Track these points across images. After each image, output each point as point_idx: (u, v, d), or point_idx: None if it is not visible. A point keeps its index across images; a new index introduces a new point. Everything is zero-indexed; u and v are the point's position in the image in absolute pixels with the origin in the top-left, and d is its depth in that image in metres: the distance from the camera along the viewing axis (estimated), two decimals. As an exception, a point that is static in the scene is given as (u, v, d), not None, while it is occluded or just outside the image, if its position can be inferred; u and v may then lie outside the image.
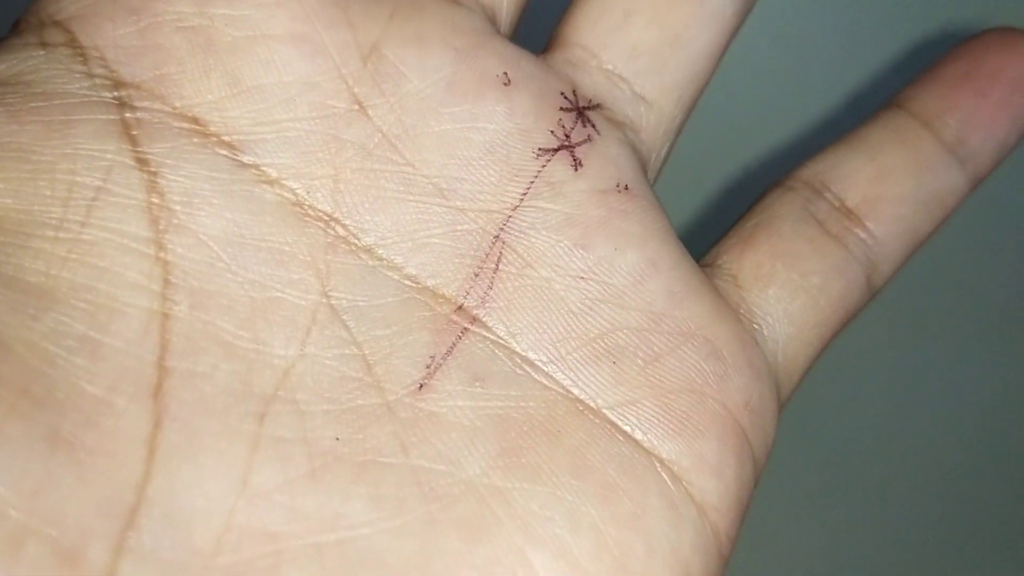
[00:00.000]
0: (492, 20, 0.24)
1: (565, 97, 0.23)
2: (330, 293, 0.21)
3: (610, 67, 0.24)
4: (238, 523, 0.18)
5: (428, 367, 0.21)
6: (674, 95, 0.24)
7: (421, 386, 0.20)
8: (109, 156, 0.20)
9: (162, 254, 0.20)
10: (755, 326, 0.24)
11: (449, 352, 0.21)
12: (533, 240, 0.22)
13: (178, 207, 0.20)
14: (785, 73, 0.40)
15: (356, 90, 0.21)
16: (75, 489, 0.17)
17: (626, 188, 0.23)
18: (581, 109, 0.23)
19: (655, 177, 0.25)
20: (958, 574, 0.45)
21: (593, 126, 0.23)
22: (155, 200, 0.20)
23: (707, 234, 0.27)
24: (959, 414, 0.44)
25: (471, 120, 0.22)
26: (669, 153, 0.25)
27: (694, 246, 0.25)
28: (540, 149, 0.22)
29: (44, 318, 0.18)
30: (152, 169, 0.20)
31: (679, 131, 0.25)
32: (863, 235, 0.25)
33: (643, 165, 0.24)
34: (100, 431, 0.18)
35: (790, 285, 0.24)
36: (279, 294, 0.20)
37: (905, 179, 0.25)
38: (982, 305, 0.44)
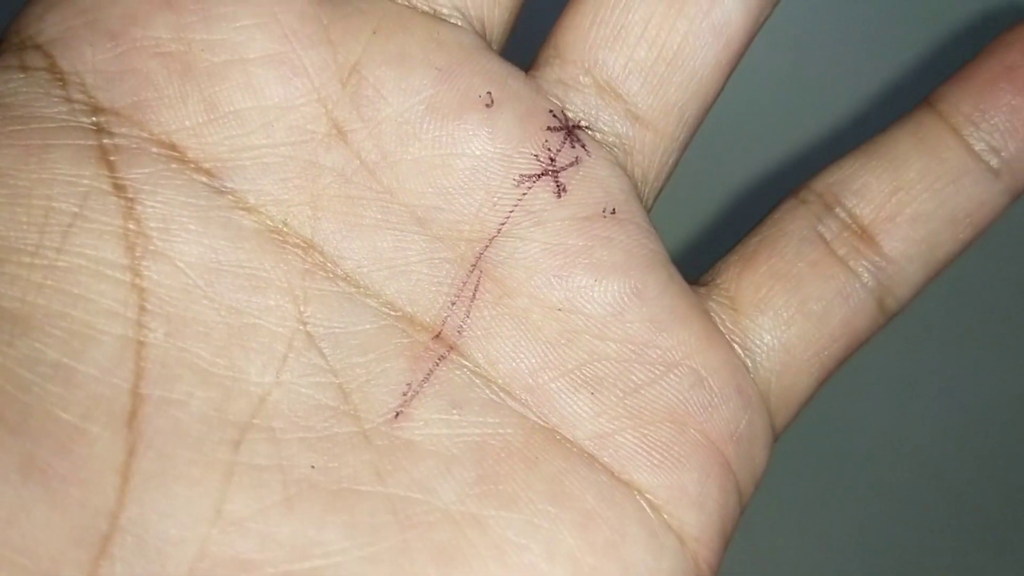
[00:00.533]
0: (482, 33, 0.23)
1: (554, 115, 0.23)
2: (307, 320, 0.21)
3: (603, 85, 0.23)
4: (211, 552, 0.18)
5: (405, 395, 0.21)
6: (674, 115, 0.23)
7: (397, 414, 0.20)
8: (86, 182, 0.20)
9: (138, 280, 0.20)
10: (748, 354, 0.23)
11: (426, 379, 0.21)
12: (511, 270, 0.22)
13: (155, 233, 0.20)
14: (812, 68, 0.38)
15: (335, 114, 0.21)
16: (48, 518, 0.17)
17: (612, 212, 0.22)
18: (570, 128, 0.23)
19: (656, 195, 0.24)
20: (958, 574, 0.45)
21: (583, 146, 0.23)
22: (131, 226, 0.20)
23: (719, 245, 0.26)
24: (959, 414, 0.44)
25: (451, 145, 0.22)
26: (671, 171, 0.24)
27: (705, 257, 0.24)
28: (521, 176, 0.22)
29: (19, 344, 0.18)
30: (129, 195, 0.20)
31: (683, 149, 0.24)
32: (875, 257, 0.23)
33: (635, 186, 0.23)
34: (73, 459, 0.18)
35: (787, 311, 0.23)
36: (256, 321, 0.20)
37: (926, 194, 0.23)
38: (983, 305, 0.43)
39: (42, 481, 0.18)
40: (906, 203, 0.23)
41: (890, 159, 0.24)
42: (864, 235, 0.24)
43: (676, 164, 0.24)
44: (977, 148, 0.23)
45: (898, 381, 0.44)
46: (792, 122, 0.39)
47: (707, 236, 0.39)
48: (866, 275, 0.23)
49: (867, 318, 0.24)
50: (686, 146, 0.24)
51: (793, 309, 0.23)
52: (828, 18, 0.37)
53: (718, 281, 0.24)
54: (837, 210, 0.24)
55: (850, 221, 0.24)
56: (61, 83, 0.21)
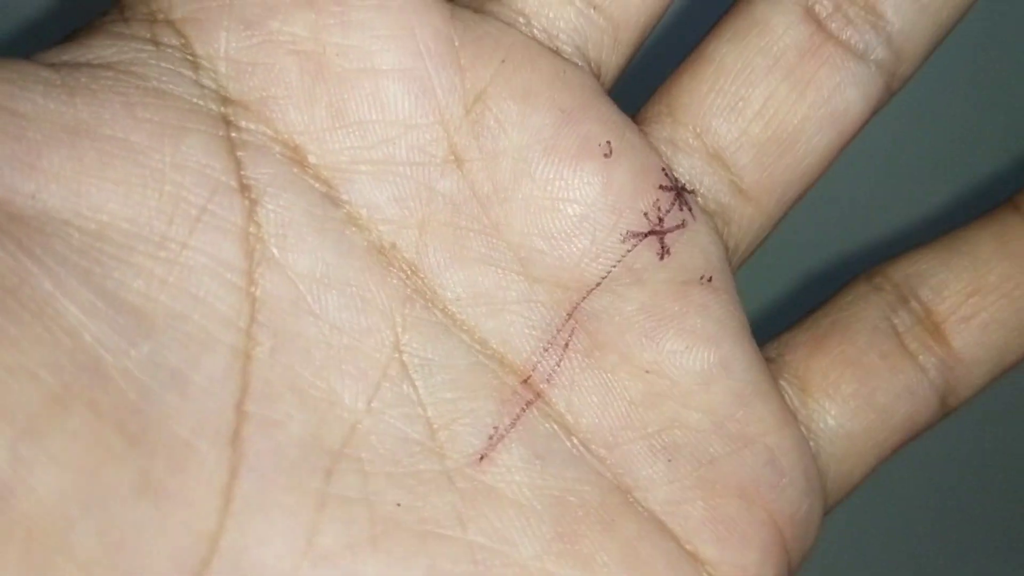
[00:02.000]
0: (597, 76, 0.23)
1: (666, 174, 0.22)
2: (403, 348, 0.20)
3: (712, 152, 0.23)
4: None
5: (491, 438, 0.20)
6: (777, 193, 0.23)
7: (482, 457, 0.20)
8: (216, 175, 0.19)
9: (252, 288, 0.19)
10: (811, 435, 0.23)
11: (513, 424, 0.21)
12: (605, 325, 0.21)
13: (272, 240, 0.19)
14: (899, 154, 0.38)
15: (455, 140, 0.21)
16: (155, 540, 0.17)
17: (710, 280, 0.22)
18: (680, 190, 0.22)
19: (738, 267, 0.24)
20: (958, 574, 0.45)
21: (690, 210, 0.22)
22: (252, 229, 0.19)
23: (780, 317, 0.26)
24: (959, 413, 0.44)
25: (564, 190, 0.21)
26: (760, 246, 0.24)
27: (766, 328, 0.24)
28: (629, 232, 0.22)
29: (142, 345, 0.17)
30: (253, 196, 0.19)
31: (775, 227, 0.24)
32: (945, 356, 0.24)
33: (728, 256, 0.23)
34: (184, 478, 0.17)
35: (856, 400, 0.23)
36: (355, 343, 0.20)
37: (1004, 301, 0.24)
38: None
39: (154, 501, 0.17)
40: (983, 307, 0.24)
41: (971, 259, 0.24)
42: (937, 332, 0.24)
43: (766, 240, 0.24)
44: None
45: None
46: (861, 205, 0.39)
47: (764, 307, 0.39)
48: (933, 372, 0.24)
49: (928, 414, 0.24)
50: (779, 223, 0.24)
51: (861, 399, 0.23)
52: (921, 110, 0.37)
53: (786, 358, 0.24)
54: (912, 303, 0.24)
55: (924, 316, 0.24)
56: (193, 66, 0.19)
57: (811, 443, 0.23)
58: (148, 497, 0.17)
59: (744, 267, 0.24)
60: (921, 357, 0.24)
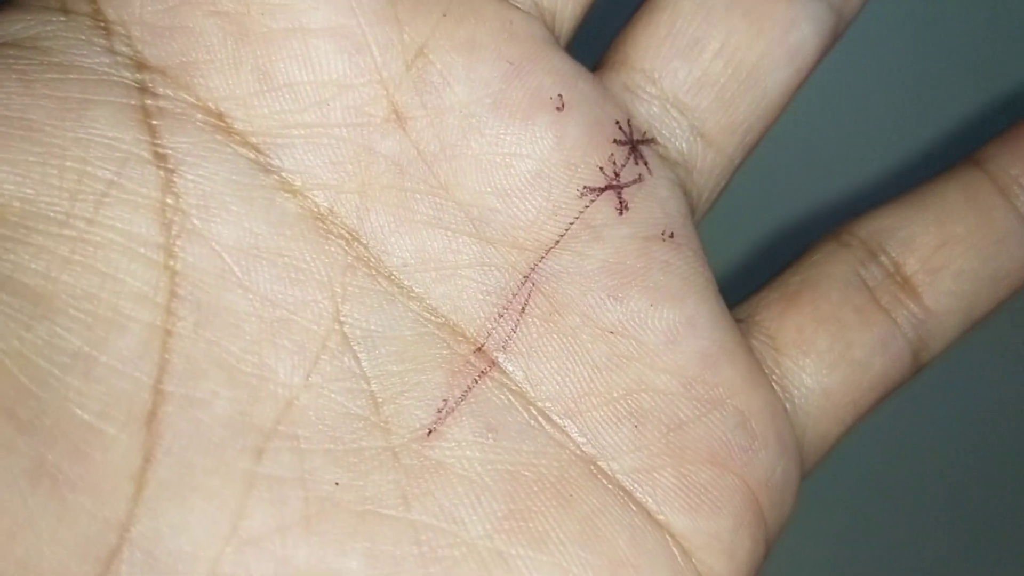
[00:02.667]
0: (551, 26, 0.22)
1: (620, 127, 0.21)
2: (344, 319, 0.19)
3: (671, 97, 0.22)
4: (223, 572, 0.17)
5: (439, 411, 0.19)
6: (737, 136, 0.22)
7: (430, 432, 0.19)
8: (125, 146, 0.18)
9: (171, 262, 0.18)
10: (787, 396, 0.22)
11: (463, 396, 0.19)
12: (565, 285, 0.20)
13: (193, 211, 0.18)
14: (858, 112, 0.38)
15: (396, 98, 0.20)
16: (54, 530, 0.16)
17: (671, 236, 0.21)
18: (635, 143, 0.21)
19: (702, 217, 0.23)
20: (958, 574, 0.45)
21: (646, 163, 0.21)
22: (170, 201, 0.18)
23: (747, 279, 0.25)
24: (959, 413, 0.43)
25: (516, 146, 0.20)
26: (721, 193, 0.23)
27: (733, 291, 0.24)
28: (585, 187, 0.20)
29: (38, 328, 0.17)
30: (170, 166, 0.18)
31: (736, 172, 0.23)
32: (916, 309, 0.23)
33: (691, 207, 0.22)
34: (87, 464, 0.16)
35: (831, 356, 0.23)
36: (290, 315, 0.19)
37: (972, 252, 0.23)
38: None
39: (52, 489, 0.16)
40: (952, 258, 0.23)
41: (938, 212, 0.23)
42: (907, 286, 0.23)
43: (727, 186, 0.23)
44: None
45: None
46: (825, 163, 0.39)
47: (729, 272, 0.38)
48: (906, 326, 0.23)
49: (902, 369, 0.23)
50: (739, 169, 0.23)
51: (837, 354, 0.23)
52: (883, 67, 0.37)
53: (757, 318, 0.23)
54: (881, 257, 0.23)
55: (894, 270, 0.23)
56: (105, 32, 0.19)
57: (787, 404, 0.22)
58: (43, 484, 0.16)
59: (711, 228, 0.24)
60: (893, 311, 0.23)
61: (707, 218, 0.24)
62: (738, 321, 0.23)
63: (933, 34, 0.37)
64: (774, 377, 0.22)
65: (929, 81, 0.38)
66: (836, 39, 0.23)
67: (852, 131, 0.38)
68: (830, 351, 0.23)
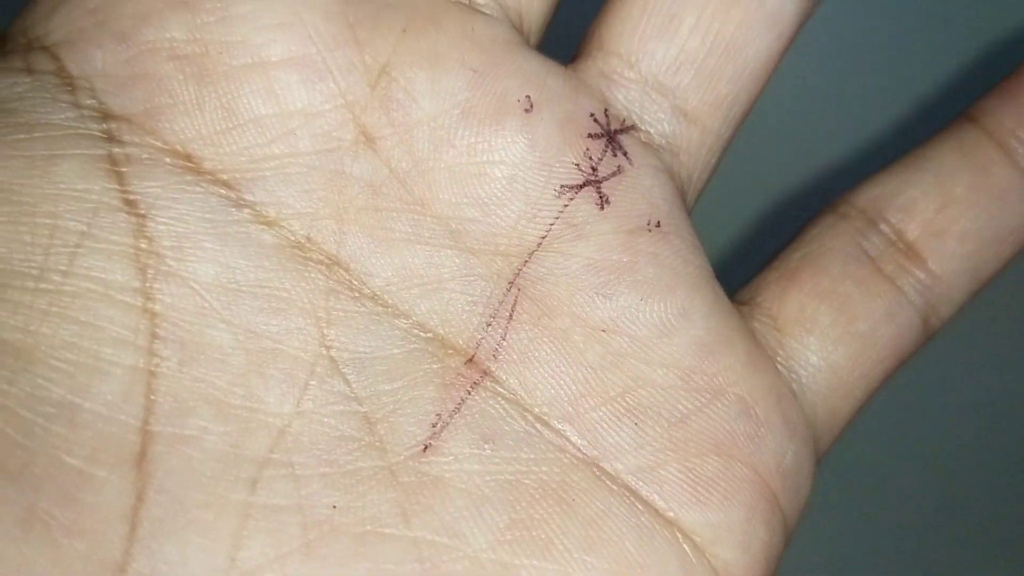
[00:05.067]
0: (518, 26, 0.21)
1: (595, 120, 0.21)
2: (330, 344, 0.19)
3: (650, 79, 0.21)
4: None
5: (434, 426, 0.19)
6: (723, 111, 0.22)
7: (426, 447, 0.19)
8: (94, 197, 0.18)
9: (150, 305, 0.18)
10: (793, 376, 0.22)
11: (457, 409, 0.19)
12: (552, 287, 0.20)
13: (168, 253, 0.19)
14: (847, 78, 0.37)
15: (363, 119, 0.20)
16: (50, 574, 0.16)
17: (658, 225, 0.21)
18: (612, 134, 0.21)
19: (697, 196, 0.23)
20: (958, 574, 0.43)
21: (625, 153, 0.21)
22: (143, 245, 0.18)
23: (751, 259, 0.25)
24: (959, 413, 0.42)
25: (487, 153, 0.20)
26: (714, 172, 0.23)
27: (735, 273, 0.23)
28: (563, 186, 0.20)
29: (21, 381, 0.17)
30: (140, 211, 0.19)
31: (726, 148, 0.22)
32: (922, 275, 0.23)
33: (681, 192, 0.22)
34: (79, 507, 0.17)
35: (835, 331, 0.22)
36: (276, 345, 0.19)
37: (974, 211, 0.23)
38: (984, 303, 0.41)
39: (45, 534, 0.16)
40: (954, 219, 0.23)
41: (936, 174, 0.23)
42: (910, 252, 0.23)
43: (719, 164, 0.23)
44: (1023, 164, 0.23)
45: (898, 379, 0.42)
46: (819, 132, 0.38)
47: (735, 250, 0.37)
48: (913, 293, 0.23)
49: (912, 337, 0.23)
50: (729, 145, 0.22)
51: (841, 329, 0.22)
52: (865, 28, 0.36)
53: (759, 300, 0.23)
54: (881, 226, 0.23)
55: (895, 237, 0.23)
56: (70, 88, 0.19)
57: (793, 384, 0.22)
58: (36, 531, 0.16)
59: (709, 210, 0.23)
60: (898, 279, 0.23)
61: (705, 200, 0.23)
62: (741, 304, 0.23)
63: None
64: (779, 359, 0.22)
65: (915, 37, 0.37)
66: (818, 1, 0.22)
67: (845, 96, 0.37)
68: (834, 326, 0.22)
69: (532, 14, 0.22)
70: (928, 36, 0.37)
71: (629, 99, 0.21)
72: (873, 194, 0.23)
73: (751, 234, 0.39)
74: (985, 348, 0.42)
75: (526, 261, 0.20)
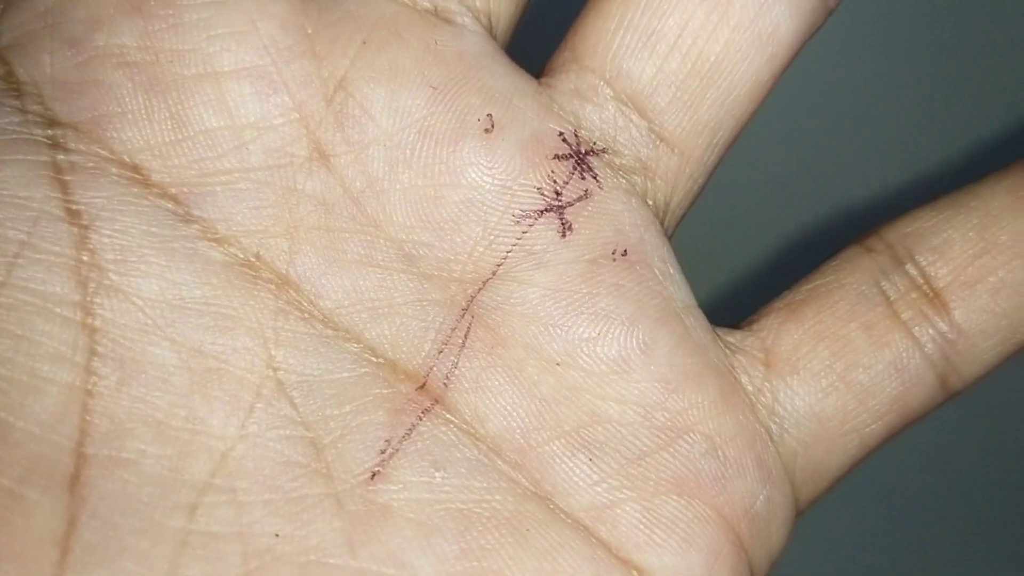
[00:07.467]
0: (488, 27, 0.21)
1: (564, 140, 0.20)
2: (278, 365, 0.19)
3: (625, 98, 0.20)
4: None
5: (383, 452, 0.19)
6: (704, 136, 0.20)
7: (374, 474, 0.19)
8: (36, 205, 0.18)
9: (89, 320, 0.18)
10: (774, 417, 0.20)
11: (407, 436, 0.19)
12: (506, 316, 0.19)
13: (111, 266, 0.18)
14: (908, 110, 0.35)
15: (318, 135, 0.19)
16: None
17: (624, 254, 0.20)
18: (581, 155, 0.20)
19: (678, 221, 0.21)
20: (958, 574, 0.43)
21: (594, 176, 0.20)
22: (85, 258, 0.18)
23: (771, 288, 0.23)
24: (959, 413, 0.42)
25: (444, 175, 0.19)
26: (699, 194, 0.21)
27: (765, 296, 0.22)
28: (522, 211, 0.20)
29: None
30: (84, 222, 0.18)
31: (711, 172, 0.21)
32: (944, 327, 0.20)
33: (656, 217, 0.21)
34: (8, 530, 0.16)
35: (828, 377, 0.20)
36: (221, 365, 0.18)
37: (1017, 261, 0.20)
38: None
39: None
40: (992, 269, 0.20)
41: (980, 216, 0.21)
42: (936, 299, 0.21)
43: (703, 188, 0.21)
44: None
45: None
46: (869, 164, 0.36)
47: (761, 277, 0.36)
48: (930, 346, 0.20)
49: (923, 395, 0.21)
50: (714, 169, 0.21)
51: (835, 376, 0.20)
52: (925, 62, 0.34)
53: (755, 328, 0.21)
54: (908, 266, 0.21)
55: (921, 281, 0.21)
56: (16, 93, 0.19)
57: (772, 425, 0.20)
58: None
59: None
60: (915, 328, 0.20)
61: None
62: (737, 330, 0.21)
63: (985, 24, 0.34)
64: (761, 397, 0.20)
65: (984, 77, 0.35)
66: (824, 17, 0.20)
67: (907, 127, 0.35)
68: (827, 372, 0.20)
69: (500, 16, 0.21)
70: (1000, 76, 0.35)
71: (603, 119, 0.20)
72: (907, 230, 0.21)
73: (772, 266, 0.37)
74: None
75: (480, 288, 0.19)
